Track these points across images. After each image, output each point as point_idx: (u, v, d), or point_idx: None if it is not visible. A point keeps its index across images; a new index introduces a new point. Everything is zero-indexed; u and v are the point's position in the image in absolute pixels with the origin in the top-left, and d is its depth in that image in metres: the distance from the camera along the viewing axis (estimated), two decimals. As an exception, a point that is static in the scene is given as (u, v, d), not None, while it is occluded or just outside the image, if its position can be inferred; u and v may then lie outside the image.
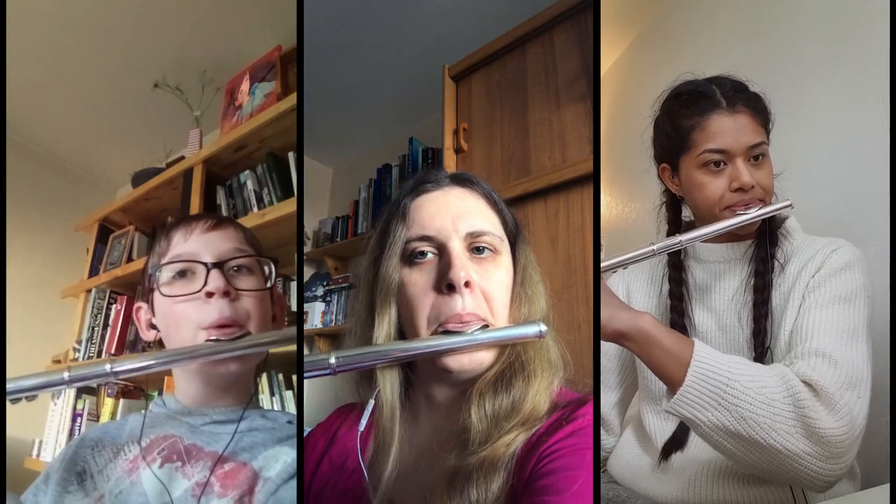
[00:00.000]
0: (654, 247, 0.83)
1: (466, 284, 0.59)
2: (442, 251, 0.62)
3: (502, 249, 0.64)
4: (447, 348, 0.58)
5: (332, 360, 0.56)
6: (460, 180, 0.68)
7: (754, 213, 0.84)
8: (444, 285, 0.59)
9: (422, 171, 0.75)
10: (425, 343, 0.59)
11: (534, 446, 0.55)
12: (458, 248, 0.61)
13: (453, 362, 0.59)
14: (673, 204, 0.98)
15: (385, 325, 0.62)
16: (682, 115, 0.89)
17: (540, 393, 0.59)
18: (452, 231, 0.62)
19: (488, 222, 0.65)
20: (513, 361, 0.60)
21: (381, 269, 0.64)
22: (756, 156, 0.85)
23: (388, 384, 0.62)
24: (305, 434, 0.77)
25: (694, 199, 0.90)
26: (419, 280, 0.61)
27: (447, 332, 0.59)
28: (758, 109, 0.87)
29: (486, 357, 0.60)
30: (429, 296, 0.61)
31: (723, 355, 0.72)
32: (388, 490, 0.60)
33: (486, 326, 0.60)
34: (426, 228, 0.63)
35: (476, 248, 0.62)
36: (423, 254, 0.62)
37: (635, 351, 0.74)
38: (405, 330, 0.63)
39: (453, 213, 0.63)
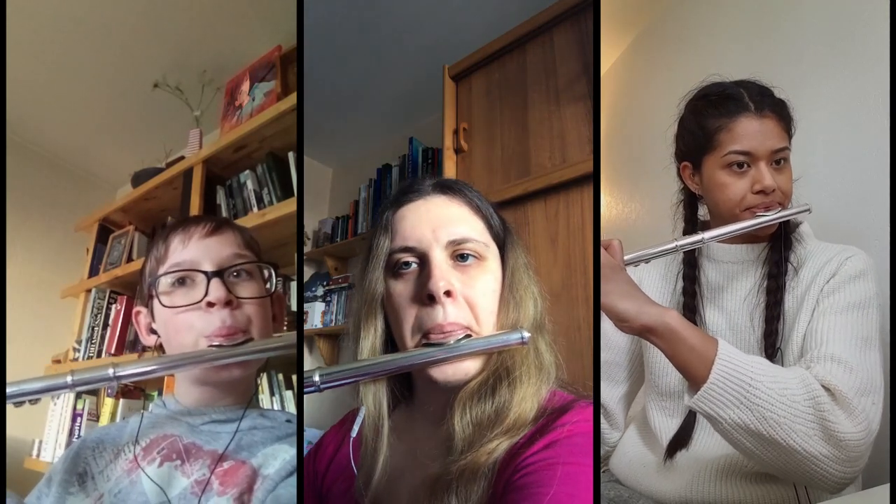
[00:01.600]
0: (677, 243, 0.84)
1: (448, 294, 0.59)
2: (423, 261, 0.62)
3: (488, 255, 0.64)
4: (429, 360, 0.58)
5: (317, 378, 0.56)
6: (443, 188, 0.67)
7: (774, 215, 0.86)
8: (425, 296, 0.59)
9: (406, 180, 0.75)
10: (406, 356, 0.59)
11: (513, 457, 0.55)
12: (438, 258, 0.61)
13: (438, 373, 0.59)
14: (690, 202, 0.99)
15: (370, 338, 0.63)
16: (710, 115, 0.90)
17: (526, 399, 0.59)
18: (433, 240, 0.62)
19: (471, 228, 0.64)
20: (497, 368, 0.60)
21: (365, 281, 0.65)
22: (778, 160, 0.86)
23: (371, 398, 0.62)
24: (316, 432, 0.78)
25: (715, 198, 0.90)
26: (403, 291, 0.62)
27: (430, 344, 0.59)
28: (782, 115, 0.88)
29: (471, 366, 0.60)
30: (412, 306, 0.61)
31: (746, 355, 0.72)
32: (379, 493, 0.61)
33: (469, 335, 0.60)
34: (407, 239, 0.63)
35: (460, 256, 0.62)
36: (407, 264, 0.63)
37: (660, 346, 0.74)
38: (395, 339, 0.64)
39: (434, 222, 0.63)
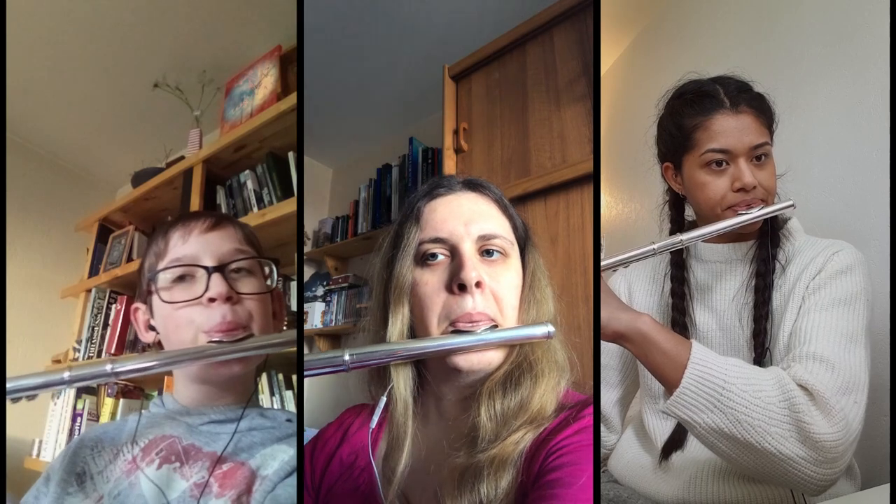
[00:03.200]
0: (655, 245, 0.83)
1: (477, 285, 0.61)
2: (454, 253, 0.64)
3: (512, 253, 0.66)
4: (458, 347, 0.60)
5: (347, 357, 0.57)
6: (473, 185, 0.70)
7: (756, 214, 0.84)
8: (456, 285, 0.61)
9: (436, 176, 0.77)
10: (437, 341, 0.60)
11: (542, 443, 0.56)
12: (469, 250, 0.63)
13: (463, 361, 0.60)
14: (676, 203, 0.98)
15: (398, 324, 0.64)
16: (686, 114, 0.88)
17: (547, 393, 0.61)
18: (464, 234, 0.64)
19: (499, 226, 0.66)
20: (521, 362, 0.62)
21: (394, 270, 0.66)
22: (759, 156, 0.85)
23: (402, 380, 0.63)
24: (316, 432, 0.78)
25: (696, 198, 0.90)
26: (431, 280, 0.63)
27: (458, 332, 0.61)
28: (761, 109, 0.86)
29: (494, 357, 0.62)
30: (440, 295, 0.62)
31: (720, 357, 0.72)
32: (402, 484, 0.61)
33: (495, 326, 0.61)
34: (439, 231, 0.65)
35: (486, 251, 0.64)
36: (434, 255, 0.64)
37: (633, 352, 0.74)
38: (417, 328, 0.65)
39: (465, 216, 0.65)
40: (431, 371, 0.67)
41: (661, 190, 1.00)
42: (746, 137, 0.84)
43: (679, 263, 0.96)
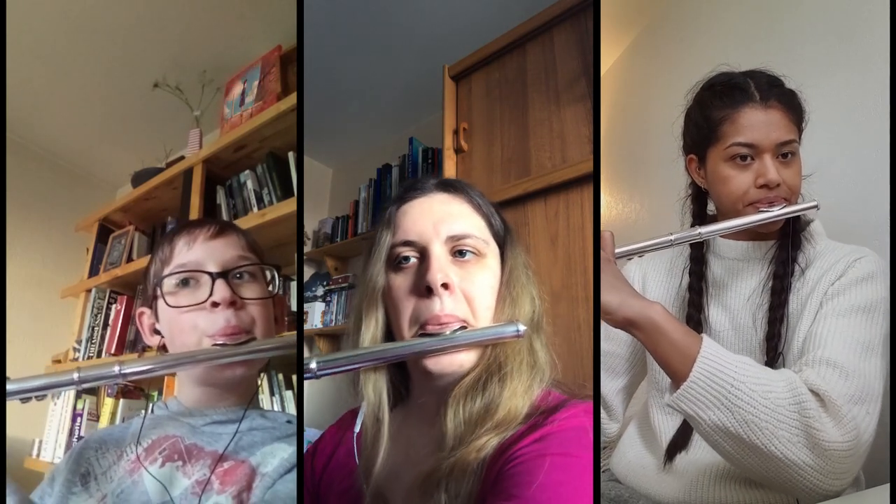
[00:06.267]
0: (673, 237, 0.82)
1: (445, 286, 0.60)
2: (423, 255, 0.63)
3: (487, 252, 0.65)
4: (424, 349, 0.59)
5: (314, 365, 0.57)
6: (445, 186, 0.69)
7: (777, 212, 0.82)
8: (423, 288, 0.60)
9: (410, 179, 0.76)
10: (402, 345, 0.60)
11: (502, 452, 0.55)
12: (438, 252, 0.62)
13: (433, 364, 0.59)
14: (698, 197, 0.96)
15: (371, 329, 0.64)
16: (714, 106, 0.87)
17: (516, 395, 0.58)
18: (433, 235, 0.63)
19: (471, 226, 0.65)
20: (490, 364, 0.60)
21: (367, 275, 0.66)
22: (785, 153, 0.83)
23: (371, 386, 0.63)
24: (316, 431, 0.78)
25: (718, 192, 0.88)
26: (402, 284, 0.63)
27: (426, 335, 0.59)
28: (791, 106, 0.85)
29: (466, 359, 0.60)
30: (410, 298, 0.62)
31: (731, 354, 0.70)
32: (379, 485, 0.61)
33: (465, 328, 0.60)
34: (408, 233, 0.64)
35: (459, 252, 0.63)
36: (406, 258, 0.63)
37: (642, 340, 0.72)
38: (393, 332, 0.64)
39: (435, 217, 0.64)
40: (410, 375, 0.67)
41: (679, 186, 0.98)
42: (774, 133, 0.82)
43: (699, 258, 0.94)
